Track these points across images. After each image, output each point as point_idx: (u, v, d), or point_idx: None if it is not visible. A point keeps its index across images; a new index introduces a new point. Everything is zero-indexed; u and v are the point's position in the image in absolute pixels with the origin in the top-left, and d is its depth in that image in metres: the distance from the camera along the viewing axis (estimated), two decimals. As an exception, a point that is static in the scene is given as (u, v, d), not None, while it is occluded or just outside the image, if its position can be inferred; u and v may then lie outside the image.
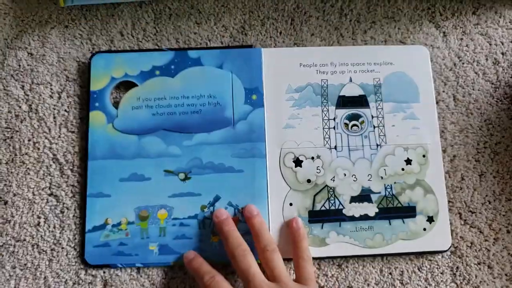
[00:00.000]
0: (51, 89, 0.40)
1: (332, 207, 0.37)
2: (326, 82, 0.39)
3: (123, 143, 0.37)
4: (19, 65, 0.40)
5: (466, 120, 0.41)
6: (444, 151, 0.40)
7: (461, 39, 0.43)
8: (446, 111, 0.41)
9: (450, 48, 0.42)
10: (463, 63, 0.42)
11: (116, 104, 0.39)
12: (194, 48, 0.40)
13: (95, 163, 0.37)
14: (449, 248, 0.37)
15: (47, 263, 0.36)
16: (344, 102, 0.39)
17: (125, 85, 0.39)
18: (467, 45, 0.42)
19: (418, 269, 0.37)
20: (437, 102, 0.41)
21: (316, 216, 0.37)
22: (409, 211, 0.37)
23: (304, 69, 0.39)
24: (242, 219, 0.36)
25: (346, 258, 0.37)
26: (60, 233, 0.37)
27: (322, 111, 0.39)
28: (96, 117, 0.38)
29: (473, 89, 0.41)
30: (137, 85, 0.39)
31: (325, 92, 0.39)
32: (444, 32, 0.43)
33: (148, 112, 0.38)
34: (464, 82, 0.42)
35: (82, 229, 0.36)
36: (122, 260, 0.36)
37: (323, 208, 0.37)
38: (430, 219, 0.37)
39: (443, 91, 0.41)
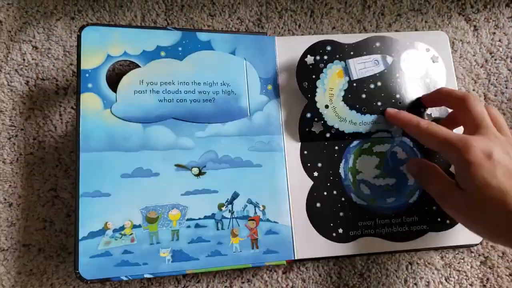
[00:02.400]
0: (57, 85, 0.38)
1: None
2: None
3: (124, 132, 0.32)
4: (24, 59, 0.38)
5: (498, 120, 0.38)
6: (474, 153, 0.37)
7: (494, 33, 0.40)
8: (476, 110, 0.38)
9: (482, 43, 0.39)
10: (495, 60, 0.39)
11: (112, 86, 0.33)
12: (204, 30, 0.37)
13: (89, 156, 0.32)
14: (481, 242, 0.35)
15: (54, 268, 0.34)
16: None
17: (123, 66, 0.35)
18: (500, 40, 0.40)
19: (446, 280, 0.35)
20: (466, 101, 0.38)
21: None
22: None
23: None
24: (263, 218, 0.34)
25: (368, 267, 0.35)
26: (66, 237, 0.35)
27: None
28: (89, 101, 0.32)
29: (506, 88, 0.39)
30: (138, 66, 0.34)
31: None
32: (475, 26, 0.40)
33: (154, 97, 0.33)
34: (496, 80, 0.39)
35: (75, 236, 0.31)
36: (127, 272, 0.31)
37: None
38: None
39: (473, 90, 0.39)
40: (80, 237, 0.31)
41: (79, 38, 0.33)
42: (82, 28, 0.33)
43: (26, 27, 0.38)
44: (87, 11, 0.39)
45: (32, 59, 0.38)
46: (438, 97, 0.33)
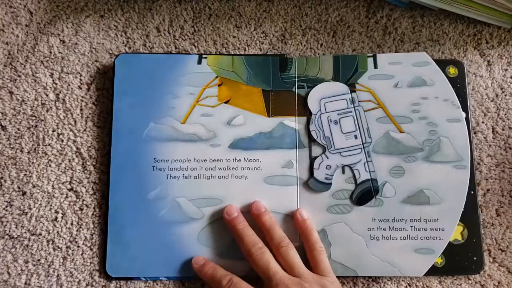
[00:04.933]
0: (80, 79, 0.38)
1: None
2: None
3: None
4: (50, 52, 0.39)
5: (503, 154, 0.39)
6: (478, 184, 0.39)
7: (506, 70, 0.41)
8: (483, 143, 0.40)
9: (494, 78, 0.41)
10: (505, 95, 0.41)
11: None
12: (225, 54, 0.39)
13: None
14: (481, 269, 0.35)
15: (61, 260, 0.35)
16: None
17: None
18: (511, 77, 0.41)
19: (442, 304, 0.36)
20: (475, 133, 0.40)
21: None
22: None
23: None
24: None
25: (369, 285, 0.36)
26: (77, 231, 0.35)
27: None
28: None
29: (514, 123, 0.40)
30: None
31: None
32: (488, 61, 0.41)
33: None
34: (505, 115, 0.40)
35: (102, 233, 0.35)
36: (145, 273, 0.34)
37: None
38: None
39: (483, 122, 0.40)
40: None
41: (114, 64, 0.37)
42: (116, 57, 0.38)
43: (56, 21, 0.39)
44: (117, 10, 0.40)
45: (59, 52, 0.39)
46: None
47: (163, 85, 0.37)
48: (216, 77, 0.37)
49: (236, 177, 0.36)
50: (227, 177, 0.36)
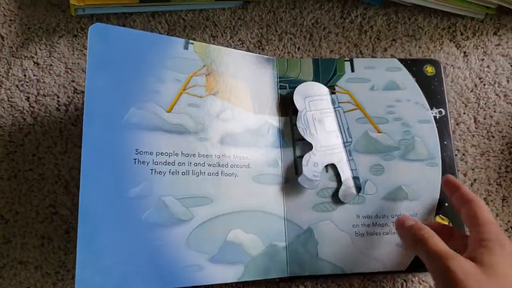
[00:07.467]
0: (58, 101, 0.38)
1: None
2: None
3: None
4: (25, 75, 0.38)
5: (487, 143, 0.40)
6: (464, 174, 0.39)
7: (482, 59, 0.42)
8: (466, 133, 0.40)
9: (471, 68, 0.41)
10: (484, 85, 0.41)
11: None
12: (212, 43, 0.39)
13: None
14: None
15: (51, 287, 0.34)
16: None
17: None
18: (488, 66, 0.42)
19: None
20: (457, 124, 0.40)
21: None
22: None
23: None
24: None
25: (365, 284, 0.36)
26: (65, 255, 0.35)
27: None
28: None
29: (495, 112, 0.40)
30: None
31: None
32: (465, 52, 0.42)
33: None
34: (485, 104, 0.41)
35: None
36: None
37: None
38: None
39: (464, 113, 0.40)
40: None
41: None
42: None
43: (28, 43, 0.39)
44: (90, 28, 0.39)
45: (34, 75, 0.38)
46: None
47: (146, 66, 0.33)
48: (204, 66, 0.35)
49: (226, 174, 0.34)
50: (217, 174, 0.33)
